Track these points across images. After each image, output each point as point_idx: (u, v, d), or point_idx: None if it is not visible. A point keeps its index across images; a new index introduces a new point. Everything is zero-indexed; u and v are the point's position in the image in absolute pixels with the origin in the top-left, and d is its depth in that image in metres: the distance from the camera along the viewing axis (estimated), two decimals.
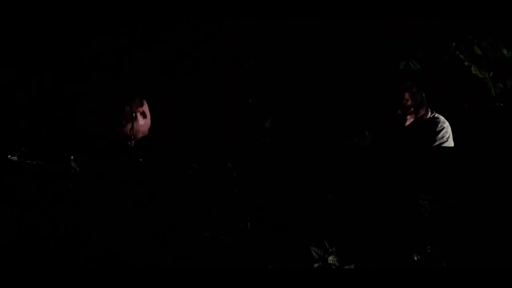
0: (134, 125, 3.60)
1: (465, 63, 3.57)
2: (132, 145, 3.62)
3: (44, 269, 3.11)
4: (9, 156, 3.14)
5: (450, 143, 4.17)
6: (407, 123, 4.15)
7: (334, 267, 2.97)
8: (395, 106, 4.12)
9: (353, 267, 2.96)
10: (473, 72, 3.70)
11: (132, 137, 3.62)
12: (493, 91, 3.87)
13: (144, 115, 3.65)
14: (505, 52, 3.89)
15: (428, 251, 2.98)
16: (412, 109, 4.13)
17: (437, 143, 4.14)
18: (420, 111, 4.15)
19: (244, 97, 2.95)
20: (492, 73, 3.85)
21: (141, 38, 3.63)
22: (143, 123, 3.66)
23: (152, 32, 3.68)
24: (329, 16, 3.20)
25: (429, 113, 4.22)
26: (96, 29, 3.64)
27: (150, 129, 3.66)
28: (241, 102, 2.95)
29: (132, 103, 3.61)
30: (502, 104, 3.66)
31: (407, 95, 4.13)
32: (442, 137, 4.14)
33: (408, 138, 4.13)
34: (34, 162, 3.14)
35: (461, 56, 3.58)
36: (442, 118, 4.23)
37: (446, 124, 4.20)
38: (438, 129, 4.16)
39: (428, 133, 4.16)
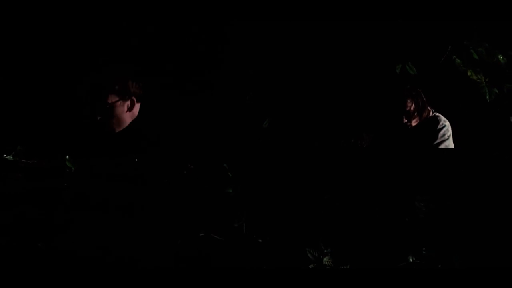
0: (132, 109, 3.54)
1: (461, 67, 3.58)
2: (124, 127, 3.55)
3: (39, 268, 3.10)
4: (4, 156, 3.13)
5: (450, 141, 4.21)
6: (413, 126, 4.19)
7: (328, 268, 2.97)
8: (400, 114, 4.15)
9: (348, 268, 2.96)
10: (470, 76, 3.70)
11: (125, 121, 3.56)
12: (488, 96, 3.87)
13: (138, 98, 3.56)
14: (501, 58, 3.89)
15: (424, 252, 2.98)
16: (416, 113, 4.17)
17: (438, 141, 4.17)
18: (424, 113, 4.20)
19: (242, 97, 2.96)
20: (488, 79, 3.85)
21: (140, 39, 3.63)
22: (137, 106, 3.58)
23: (149, 33, 3.69)
24: (327, 18, 3.21)
25: (431, 112, 4.26)
26: (92, 30, 3.65)
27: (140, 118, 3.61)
28: (238, 102, 2.95)
29: (131, 83, 3.53)
30: (498, 109, 3.67)
31: (409, 102, 4.17)
32: (443, 135, 4.18)
33: (409, 138, 4.16)
34: (30, 161, 3.13)
35: (458, 60, 3.59)
36: (442, 117, 4.27)
37: (447, 123, 4.24)
38: (439, 127, 4.20)
39: (429, 132, 4.19)
